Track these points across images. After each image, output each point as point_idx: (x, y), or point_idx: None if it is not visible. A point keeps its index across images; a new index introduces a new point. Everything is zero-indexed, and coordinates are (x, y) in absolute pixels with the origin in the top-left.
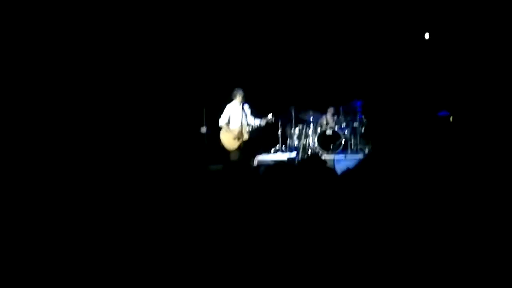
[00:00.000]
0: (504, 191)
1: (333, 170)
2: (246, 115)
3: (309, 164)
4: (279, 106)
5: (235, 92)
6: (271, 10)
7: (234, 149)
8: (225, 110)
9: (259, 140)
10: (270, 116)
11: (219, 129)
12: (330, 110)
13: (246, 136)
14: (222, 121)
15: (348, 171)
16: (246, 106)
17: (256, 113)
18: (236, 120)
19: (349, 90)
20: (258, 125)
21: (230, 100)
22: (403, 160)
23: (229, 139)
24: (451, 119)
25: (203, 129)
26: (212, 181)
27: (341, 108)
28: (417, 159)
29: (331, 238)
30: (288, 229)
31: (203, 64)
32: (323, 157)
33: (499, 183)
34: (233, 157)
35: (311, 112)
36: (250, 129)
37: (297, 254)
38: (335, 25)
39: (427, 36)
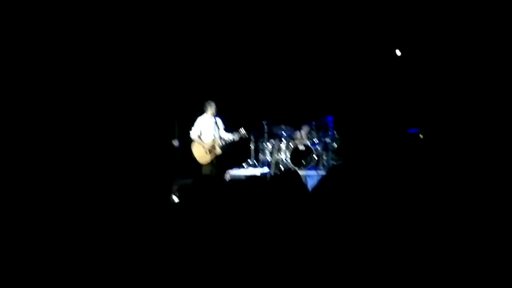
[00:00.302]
0: (471, 203)
1: (304, 185)
2: (218, 129)
3: (283, 179)
4: (252, 120)
5: (206, 104)
6: (244, 24)
7: (206, 162)
8: (196, 123)
9: (231, 154)
10: (242, 130)
11: (190, 142)
12: (305, 128)
13: (218, 150)
14: (193, 134)
15: (318, 185)
16: (219, 120)
17: (229, 127)
18: (208, 133)
19: (321, 106)
20: (230, 139)
21: (202, 112)
22: (371, 172)
23: (201, 153)
24: (420, 136)
25: (175, 142)
26: (182, 197)
27: (313, 124)
28: (385, 172)
29: (305, 252)
30: (259, 243)
31: (175, 75)
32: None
33: (468, 198)
34: (205, 171)
35: (284, 127)
36: (223, 143)
37: (268, 267)
38: (307, 40)
39: (398, 53)
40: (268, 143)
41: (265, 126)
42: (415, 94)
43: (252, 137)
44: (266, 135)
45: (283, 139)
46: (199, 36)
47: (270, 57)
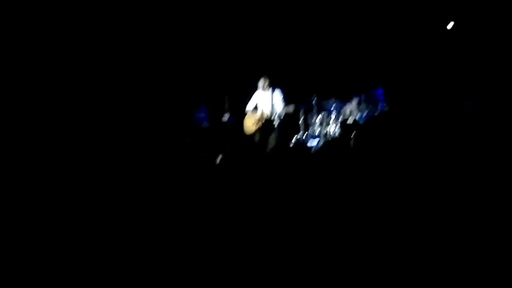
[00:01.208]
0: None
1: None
2: (273, 102)
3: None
4: (301, 94)
5: (260, 79)
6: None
7: (252, 133)
8: (253, 97)
9: (282, 128)
10: (289, 107)
11: (243, 116)
12: (355, 100)
13: (265, 123)
14: (248, 107)
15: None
16: (277, 92)
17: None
18: (260, 106)
19: (371, 79)
20: (283, 112)
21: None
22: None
23: (249, 124)
24: (473, 108)
25: (225, 117)
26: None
27: (363, 97)
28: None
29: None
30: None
31: (227, 52)
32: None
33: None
34: (254, 142)
35: (333, 100)
36: (274, 116)
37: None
38: (358, 11)
39: (450, 25)
40: (317, 117)
41: (314, 100)
42: (467, 66)
43: (301, 111)
44: (315, 109)
45: (332, 112)
46: (252, 12)
47: (320, 30)
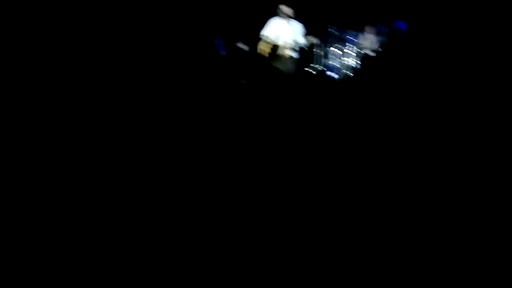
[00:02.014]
0: None
1: None
2: (292, 33)
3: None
4: (319, 24)
5: (279, 7)
6: None
7: (266, 56)
8: (269, 23)
9: (299, 60)
10: (312, 38)
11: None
12: (372, 30)
13: (281, 51)
14: (264, 33)
15: None
16: (296, 24)
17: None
18: (278, 33)
19: (394, 10)
20: (302, 44)
21: (275, 15)
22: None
23: (264, 48)
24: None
25: (242, 45)
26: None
27: (383, 29)
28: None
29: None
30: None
31: None
32: None
33: None
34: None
35: (350, 32)
36: (292, 46)
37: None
38: None
39: None
40: (335, 49)
41: (332, 32)
42: None
43: (319, 43)
44: (334, 40)
45: (349, 44)
46: None
47: None
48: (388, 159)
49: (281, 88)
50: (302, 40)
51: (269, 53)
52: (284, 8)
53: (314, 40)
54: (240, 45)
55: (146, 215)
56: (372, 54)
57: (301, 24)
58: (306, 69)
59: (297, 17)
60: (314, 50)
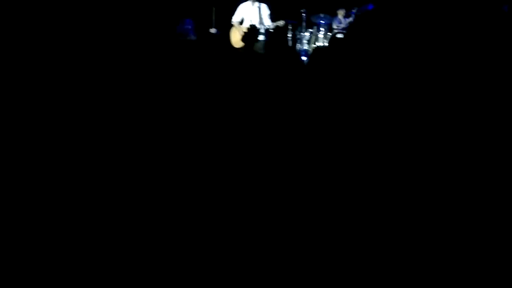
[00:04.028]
0: None
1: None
2: (261, 15)
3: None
4: (290, 9)
5: None
6: None
7: (239, 47)
8: (237, 9)
9: (270, 44)
10: (281, 21)
11: (230, 28)
12: (341, 12)
13: (252, 36)
14: (234, 19)
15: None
16: (264, 7)
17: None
18: (247, 19)
19: None
20: (272, 27)
21: (244, 0)
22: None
23: (236, 37)
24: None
25: (212, 30)
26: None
27: (352, 12)
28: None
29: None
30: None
31: None
32: None
33: None
34: (242, 54)
35: (322, 16)
36: (262, 30)
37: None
38: None
39: None
40: (306, 33)
41: (303, 15)
42: None
43: (290, 26)
44: (304, 24)
45: (321, 28)
46: None
47: None
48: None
49: (252, 73)
50: (271, 24)
51: (240, 38)
52: None
53: (282, 23)
54: (211, 30)
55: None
56: (341, 36)
57: (270, 8)
58: (276, 53)
59: (267, 0)
60: (287, 34)
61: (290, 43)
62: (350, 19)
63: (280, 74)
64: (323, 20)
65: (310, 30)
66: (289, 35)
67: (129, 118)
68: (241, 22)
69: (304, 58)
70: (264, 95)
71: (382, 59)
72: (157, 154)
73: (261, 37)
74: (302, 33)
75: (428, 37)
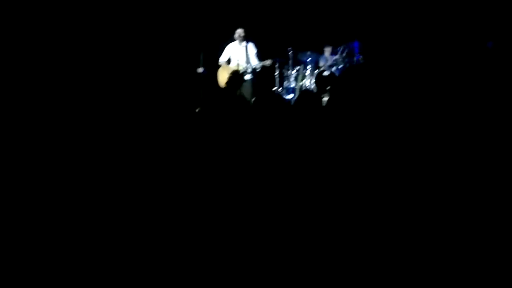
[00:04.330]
0: None
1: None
2: (248, 55)
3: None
4: (277, 47)
5: (237, 31)
6: None
7: (226, 86)
8: (225, 49)
9: (257, 82)
10: (268, 60)
11: (217, 68)
12: (328, 50)
13: (239, 76)
14: (221, 59)
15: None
16: (251, 45)
17: (258, 54)
18: (234, 59)
19: (347, 31)
20: (259, 66)
21: (232, 40)
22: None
23: (223, 77)
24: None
25: (200, 70)
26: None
27: (338, 49)
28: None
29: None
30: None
31: (200, 6)
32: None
33: None
34: (229, 94)
35: (309, 53)
36: (249, 70)
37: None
38: None
39: None
40: (293, 70)
41: (290, 53)
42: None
43: (277, 65)
44: (291, 62)
45: (308, 65)
46: None
47: None
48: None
49: (240, 113)
50: (258, 63)
51: (228, 79)
52: (239, 31)
53: (269, 62)
54: (199, 69)
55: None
56: (329, 75)
57: (256, 47)
58: (264, 92)
59: (254, 39)
60: (274, 72)
61: (277, 81)
62: (337, 56)
63: (267, 116)
64: (309, 58)
65: (297, 67)
66: (276, 73)
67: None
68: (228, 62)
69: (291, 95)
70: (254, 136)
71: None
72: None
73: (248, 77)
74: (289, 71)
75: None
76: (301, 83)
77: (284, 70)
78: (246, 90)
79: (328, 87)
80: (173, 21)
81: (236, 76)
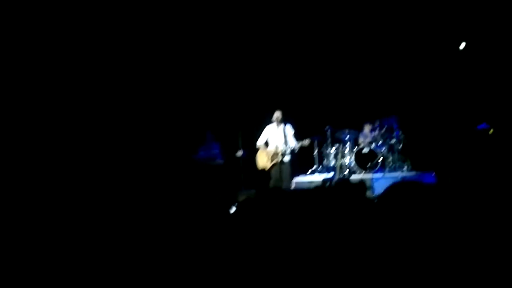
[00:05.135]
0: None
1: (363, 195)
2: (286, 136)
3: (340, 190)
4: (315, 125)
5: (275, 113)
6: (303, 32)
7: (267, 169)
8: (263, 132)
9: (298, 161)
10: (306, 141)
11: (256, 150)
12: (367, 127)
13: (279, 158)
14: (259, 142)
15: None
16: (289, 127)
17: (295, 134)
18: (273, 141)
19: (385, 106)
20: (297, 147)
21: (269, 122)
22: (443, 183)
23: (263, 160)
24: (490, 131)
25: (239, 153)
26: (244, 209)
27: (377, 125)
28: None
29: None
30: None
31: (239, 88)
32: (360, 176)
33: None
34: (271, 179)
35: (347, 131)
36: (287, 151)
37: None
38: (368, 40)
39: (462, 45)
40: (331, 149)
41: (328, 131)
42: (482, 88)
43: (315, 143)
44: (329, 141)
45: (347, 143)
46: (261, 50)
47: (332, 61)
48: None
49: (281, 199)
50: (296, 144)
51: (267, 162)
52: (277, 114)
53: (307, 142)
54: (238, 153)
55: None
56: (366, 151)
57: (294, 128)
58: (303, 174)
59: (291, 118)
60: (313, 151)
61: (316, 160)
62: (376, 132)
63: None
64: (348, 135)
65: (336, 145)
66: (315, 152)
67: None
68: (266, 144)
69: (331, 174)
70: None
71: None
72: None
73: (286, 158)
74: (328, 150)
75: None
76: (340, 162)
77: (323, 149)
78: (285, 172)
79: (368, 164)
80: (211, 102)
81: (275, 157)
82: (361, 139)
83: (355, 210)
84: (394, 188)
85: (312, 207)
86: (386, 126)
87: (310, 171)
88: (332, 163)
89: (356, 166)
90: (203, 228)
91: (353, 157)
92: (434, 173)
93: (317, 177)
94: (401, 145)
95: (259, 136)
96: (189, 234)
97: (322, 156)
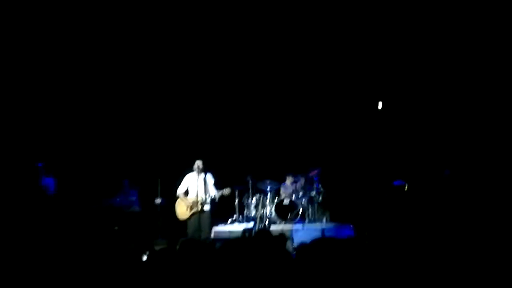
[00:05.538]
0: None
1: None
2: (206, 185)
3: (260, 239)
4: (237, 175)
5: (196, 162)
6: (229, 81)
7: (185, 218)
8: (184, 180)
9: (217, 210)
10: (226, 190)
11: (175, 199)
12: (289, 178)
13: (199, 208)
14: (179, 190)
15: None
16: (209, 176)
17: (215, 183)
18: (193, 190)
19: (306, 159)
20: (217, 196)
21: (190, 170)
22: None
23: (182, 209)
24: (406, 188)
25: (158, 200)
26: (157, 261)
27: (298, 177)
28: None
29: None
30: None
31: (159, 136)
32: (280, 227)
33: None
34: (189, 228)
35: (268, 182)
36: (207, 200)
37: None
38: (290, 96)
39: (380, 105)
40: (252, 199)
41: (250, 182)
42: (398, 146)
43: (236, 193)
44: (250, 191)
45: (268, 193)
46: (184, 97)
47: (253, 112)
48: None
49: (198, 248)
50: (216, 193)
51: (187, 211)
52: (198, 163)
53: (228, 191)
54: (157, 200)
55: None
56: (287, 202)
57: (215, 177)
58: (223, 223)
59: (212, 168)
60: (234, 201)
61: (237, 210)
62: (298, 184)
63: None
64: (269, 186)
65: (257, 196)
66: (236, 201)
67: None
68: (186, 193)
69: (251, 224)
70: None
71: None
72: None
73: (206, 207)
74: (249, 200)
75: None
76: (261, 212)
77: (244, 199)
78: (205, 221)
79: (289, 215)
80: (131, 149)
81: (195, 206)
82: (282, 190)
83: (274, 262)
84: (313, 244)
85: (231, 259)
86: (307, 179)
87: (230, 220)
88: (253, 213)
89: (277, 217)
90: (111, 272)
91: (273, 208)
92: (352, 225)
93: (237, 227)
94: (320, 198)
95: (178, 184)
96: (96, 276)
97: (243, 206)
